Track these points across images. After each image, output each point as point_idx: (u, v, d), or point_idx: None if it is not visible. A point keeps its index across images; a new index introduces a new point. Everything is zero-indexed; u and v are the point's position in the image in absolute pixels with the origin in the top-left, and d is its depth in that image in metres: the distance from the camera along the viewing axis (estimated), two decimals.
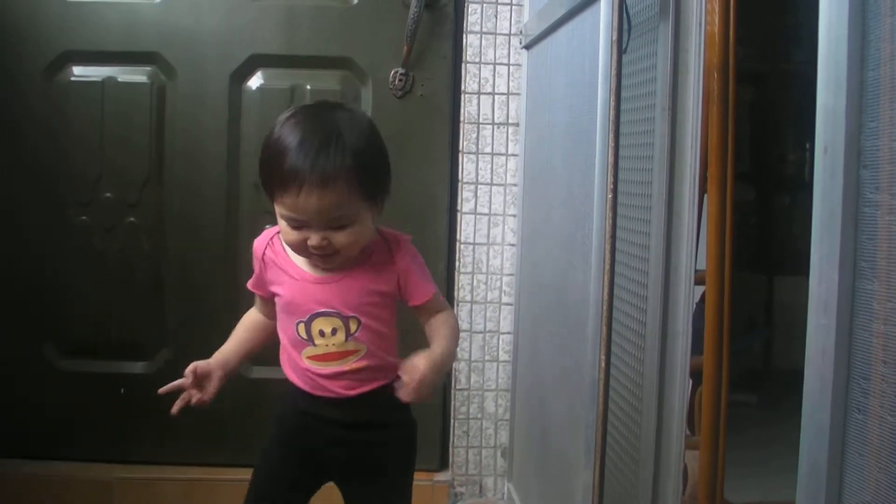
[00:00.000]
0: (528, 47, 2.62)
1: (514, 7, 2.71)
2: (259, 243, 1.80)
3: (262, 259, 1.77)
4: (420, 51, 2.74)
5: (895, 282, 0.97)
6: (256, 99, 2.78)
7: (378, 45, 2.76)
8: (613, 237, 1.64)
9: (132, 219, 2.80)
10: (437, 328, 1.77)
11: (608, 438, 1.71)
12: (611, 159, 1.63)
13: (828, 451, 1.04)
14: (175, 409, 1.76)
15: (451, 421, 2.83)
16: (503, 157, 2.74)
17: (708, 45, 1.92)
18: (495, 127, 2.74)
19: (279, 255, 1.75)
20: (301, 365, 1.74)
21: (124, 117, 2.77)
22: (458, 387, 2.80)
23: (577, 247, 2.03)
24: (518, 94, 2.72)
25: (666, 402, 1.62)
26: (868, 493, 1.01)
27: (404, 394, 1.61)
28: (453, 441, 2.82)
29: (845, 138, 1.01)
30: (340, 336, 1.70)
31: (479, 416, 2.81)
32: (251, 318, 1.89)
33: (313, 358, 1.72)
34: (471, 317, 2.78)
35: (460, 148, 2.75)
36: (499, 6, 2.71)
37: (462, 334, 2.76)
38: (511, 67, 2.73)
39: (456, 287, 2.78)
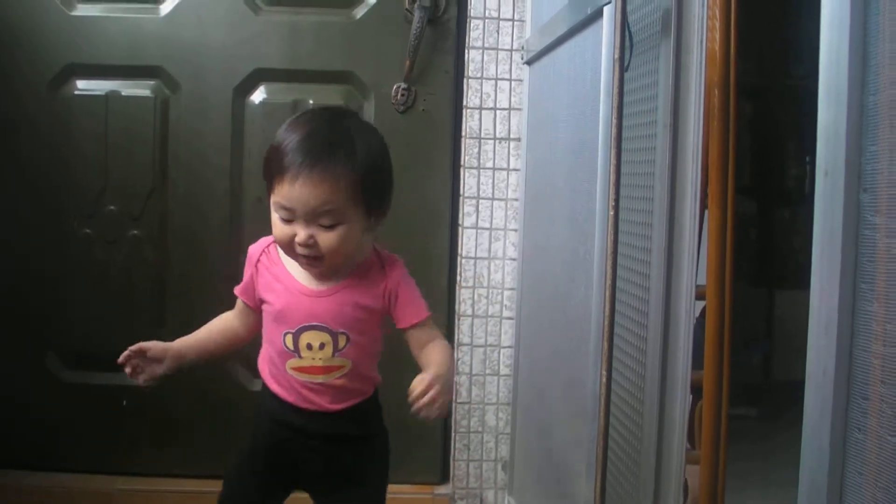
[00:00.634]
0: (529, 63, 2.63)
1: (515, 23, 2.73)
2: (255, 249, 1.80)
3: (256, 265, 1.78)
4: (422, 66, 2.76)
5: (894, 303, 0.98)
6: (259, 113, 2.78)
7: (380, 60, 2.78)
8: (615, 252, 1.65)
9: (135, 231, 2.81)
10: (434, 350, 1.72)
11: (609, 453, 1.72)
12: (613, 175, 1.64)
13: (828, 470, 1.05)
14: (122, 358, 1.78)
15: (452, 434, 2.83)
16: (504, 172, 2.75)
17: (709, 62, 1.93)
18: (497, 142, 2.75)
19: (275, 263, 1.76)
20: (285, 375, 1.74)
21: (128, 131, 2.78)
22: (458, 400, 2.80)
23: (578, 262, 2.04)
24: (519, 109, 2.73)
25: (667, 417, 1.63)
26: None
27: (427, 411, 1.55)
28: (454, 454, 2.83)
29: (846, 162, 1.02)
30: (328, 350, 1.71)
31: (480, 429, 2.82)
32: (226, 325, 1.88)
33: (298, 370, 1.72)
34: (472, 331, 2.79)
35: (462, 162, 2.76)
36: (501, 22, 2.72)
37: (463, 348, 2.77)
38: (513, 83, 2.74)
39: (457, 301, 2.79)
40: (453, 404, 2.80)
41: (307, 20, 2.78)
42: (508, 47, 2.74)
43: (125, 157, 2.79)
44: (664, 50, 1.63)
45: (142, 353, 1.77)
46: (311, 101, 2.75)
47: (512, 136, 2.75)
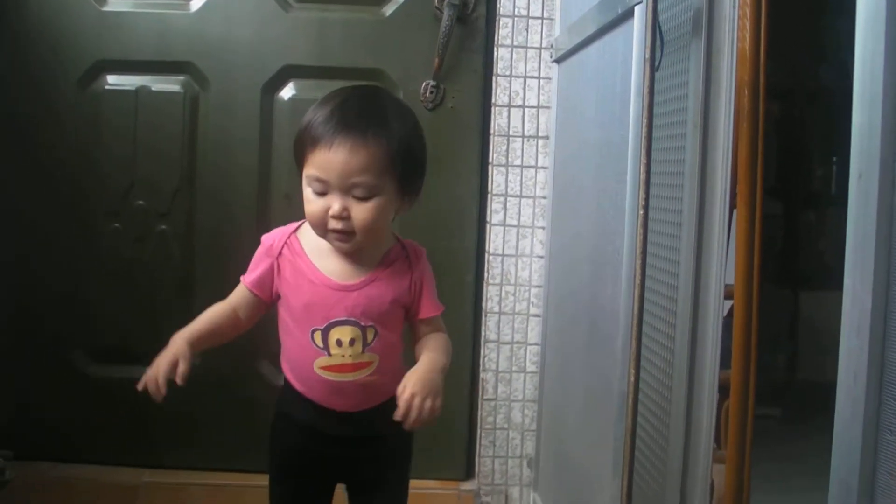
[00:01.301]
0: (558, 61, 2.63)
1: (545, 21, 2.73)
2: (273, 239, 1.73)
3: (277, 259, 1.71)
4: (451, 64, 2.76)
5: None
6: (288, 110, 2.79)
7: (409, 58, 2.78)
8: (644, 252, 1.65)
9: (163, 227, 2.83)
10: (433, 340, 1.72)
11: (636, 452, 1.72)
12: (642, 175, 1.64)
13: (859, 473, 1.04)
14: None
15: (478, 431, 2.84)
16: (532, 170, 2.75)
17: (739, 62, 1.93)
18: (525, 140, 2.75)
19: (300, 256, 1.70)
20: (312, 376, 1.69)
21: (157, 126, 2.80)
22: (485, 397, 2.81)
23: (606, 260, 2.04)
24: (548, 107, 2.73)
25: (694, 416, 1.63)
26: None
27: (406, 424, 1.55)
28: (480, 451, 2.83)
29: (880, 164, 1.01)
30: (358, 346, 1.66)
31: (506, 426, 2.82)
32: (227, 314, 1.76)
33: (326, 368, 1.68)
34: (498, 327, 2.79)
35: (490, 160, 2.77)
36: (530, 20, 2.73)
37: (490, 344, 2.78)
38: (541, 81, 2.74)
39: (484, 298, 2.79)
40: (480, 401, 2.81)
41: (336, 17, 2.79)
42: (537, 45, 2.74)
43: (154, 153, 2.81)
44: (695, 50, 1.63)
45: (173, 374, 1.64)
46: None
47: (540, 133, 2.75)
